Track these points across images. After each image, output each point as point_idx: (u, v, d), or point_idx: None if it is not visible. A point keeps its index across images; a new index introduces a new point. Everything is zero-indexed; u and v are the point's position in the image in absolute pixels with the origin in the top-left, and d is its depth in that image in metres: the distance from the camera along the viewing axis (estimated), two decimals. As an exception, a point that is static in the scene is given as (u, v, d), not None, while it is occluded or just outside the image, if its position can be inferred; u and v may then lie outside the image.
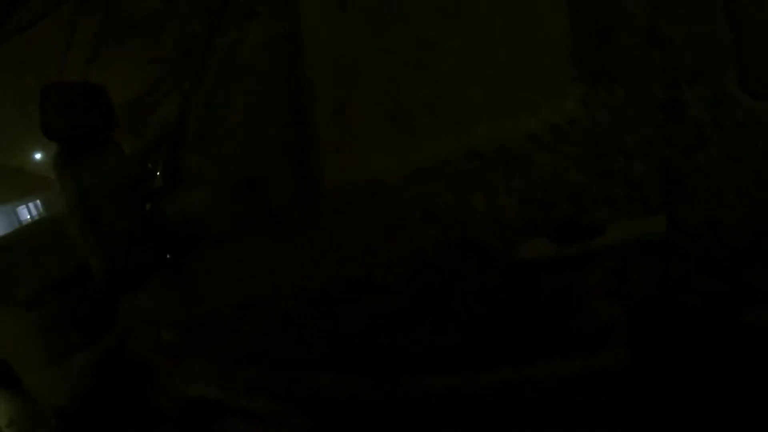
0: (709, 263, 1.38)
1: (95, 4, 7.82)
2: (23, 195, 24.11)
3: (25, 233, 6.09)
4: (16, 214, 24.13)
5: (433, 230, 1.36)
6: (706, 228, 1.38)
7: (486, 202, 1.34)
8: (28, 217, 24.17)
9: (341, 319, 1.53)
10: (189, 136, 1.69)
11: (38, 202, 24.48)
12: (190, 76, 1.73)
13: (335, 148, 1.41)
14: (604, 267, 1.40)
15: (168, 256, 1.86)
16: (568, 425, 1.47)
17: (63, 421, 3.79)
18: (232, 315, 1.79)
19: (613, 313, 1.37)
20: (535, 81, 1.35)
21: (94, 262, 1.58)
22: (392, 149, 1.37)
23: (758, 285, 1.38)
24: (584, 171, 1.35)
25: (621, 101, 1.39)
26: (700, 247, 1.38)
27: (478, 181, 1.34)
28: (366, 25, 1.39)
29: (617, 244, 1.38)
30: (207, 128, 1.62)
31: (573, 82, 1.35)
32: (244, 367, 1.88)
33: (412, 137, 1.36)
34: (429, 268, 1.38)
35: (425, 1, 1.38)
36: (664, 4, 1.40)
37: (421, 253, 1.38)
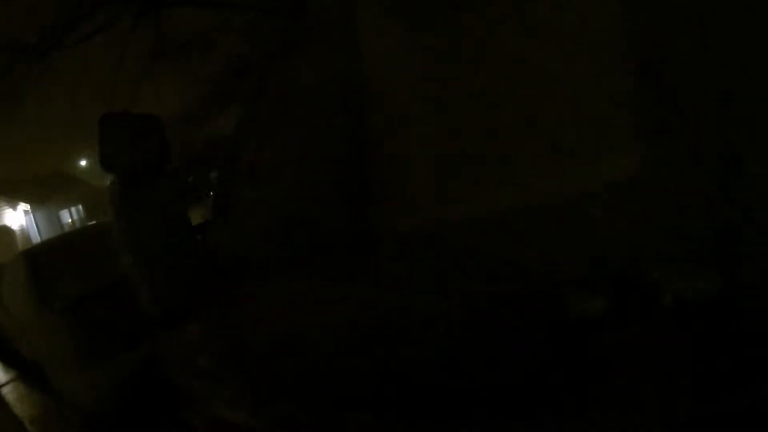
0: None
1: (149, 20, 8.04)
2: (67, 200, 24.86)
3: (67, 240, 6.25)
4: (58, 218, 24.84)
5: (484, 285, 1.32)
6: (764, 287, 1.33)
7: (540, 258, 1.31)
8: (69, 221, 24.89)
9: (383, 363, 1.51)
10: (242, 170, 1.70)
11: (80, 207, 25.19)
12: (245, 107, 1.75)
13: (391, 196, 1.40)
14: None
15: (215, 287, 1.86)
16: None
17: (89, 425, 3.86)
18: (273, 348, 1.79)
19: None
20: (598, 136, 1.32)
21: (144, 296, 1.59)
22: (447, 199, 1.35)
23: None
24: (642, 229, 1.31)
25: (682, 157, 1.35)
26: (758, 305, 1.33)
27: (533, 237, 1.31)
28: (425, 74, 1.37)
29: (672, 304, 1.34)
30: (260, 164, 1.63)
31: (636, 137, 1.32)
32: (280, 400, 1.87)
33: (466, 188, 1.33)
34: (476, 323, 1.35)
35: (489, 50, 1.35)
36: (729, 59, 1.37)
37: (470, 307, 1.35)
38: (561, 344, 1.32)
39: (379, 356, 1.49)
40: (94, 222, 17.72)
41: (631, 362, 1.37)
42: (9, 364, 5.91)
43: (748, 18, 1.35)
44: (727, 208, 1.35)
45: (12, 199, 23.49)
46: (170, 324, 1.81)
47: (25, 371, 5.36)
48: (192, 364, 2.27)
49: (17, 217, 23.88)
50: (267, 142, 1.63)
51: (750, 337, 1.37)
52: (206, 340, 2.13)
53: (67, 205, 25.29)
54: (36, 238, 22.46)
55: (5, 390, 5.30)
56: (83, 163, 25.61)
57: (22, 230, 23.70)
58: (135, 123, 1.70)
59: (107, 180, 1.78)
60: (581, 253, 1.30)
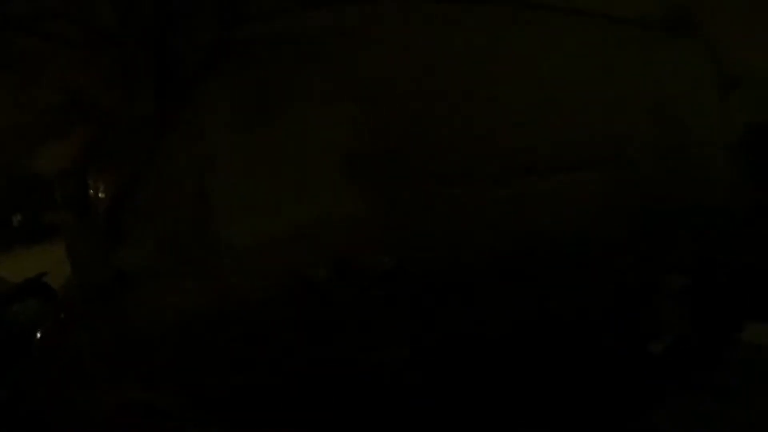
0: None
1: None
2: None
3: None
4: None
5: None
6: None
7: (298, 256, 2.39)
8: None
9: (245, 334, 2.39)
10: (129, 205, 2.54)
11: None
12: (133, 163, 2.59)
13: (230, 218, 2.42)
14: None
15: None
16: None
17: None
18: (161, 335, 2.50)
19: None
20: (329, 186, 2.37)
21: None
22: (247, 220, 2.38)
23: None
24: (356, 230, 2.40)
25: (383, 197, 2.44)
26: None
27: (294, 248, 2.39)
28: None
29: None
30: (144, 202, 2.51)
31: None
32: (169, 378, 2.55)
33: (258, 214, 2.38)
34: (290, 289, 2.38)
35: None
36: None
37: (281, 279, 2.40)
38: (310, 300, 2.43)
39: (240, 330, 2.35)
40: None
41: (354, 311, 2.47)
42: None
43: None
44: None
45: None
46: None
47: None
48: (76, 373, 2.74)
49: None
50: (148, 189, 2.52)
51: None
52: (94, 342, 2.67)
53: None
54: None
55: None
56: None
57: None
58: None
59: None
60: (321, 250, 2.39)
